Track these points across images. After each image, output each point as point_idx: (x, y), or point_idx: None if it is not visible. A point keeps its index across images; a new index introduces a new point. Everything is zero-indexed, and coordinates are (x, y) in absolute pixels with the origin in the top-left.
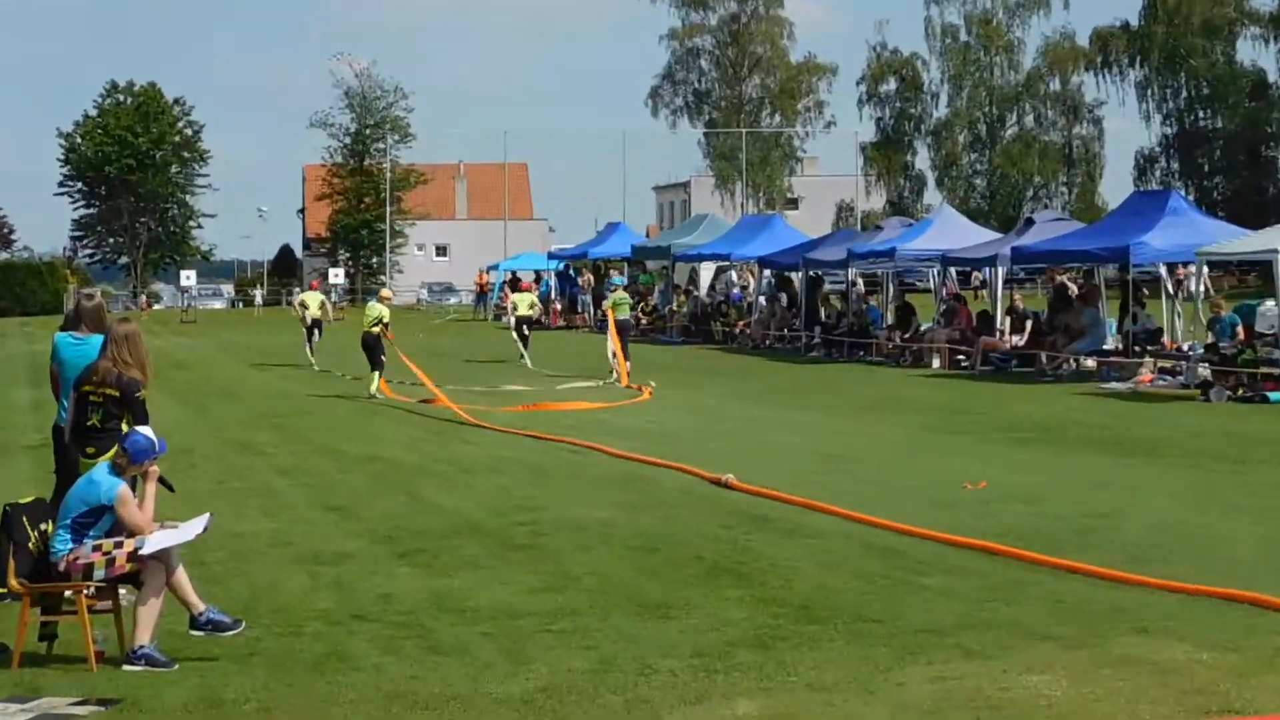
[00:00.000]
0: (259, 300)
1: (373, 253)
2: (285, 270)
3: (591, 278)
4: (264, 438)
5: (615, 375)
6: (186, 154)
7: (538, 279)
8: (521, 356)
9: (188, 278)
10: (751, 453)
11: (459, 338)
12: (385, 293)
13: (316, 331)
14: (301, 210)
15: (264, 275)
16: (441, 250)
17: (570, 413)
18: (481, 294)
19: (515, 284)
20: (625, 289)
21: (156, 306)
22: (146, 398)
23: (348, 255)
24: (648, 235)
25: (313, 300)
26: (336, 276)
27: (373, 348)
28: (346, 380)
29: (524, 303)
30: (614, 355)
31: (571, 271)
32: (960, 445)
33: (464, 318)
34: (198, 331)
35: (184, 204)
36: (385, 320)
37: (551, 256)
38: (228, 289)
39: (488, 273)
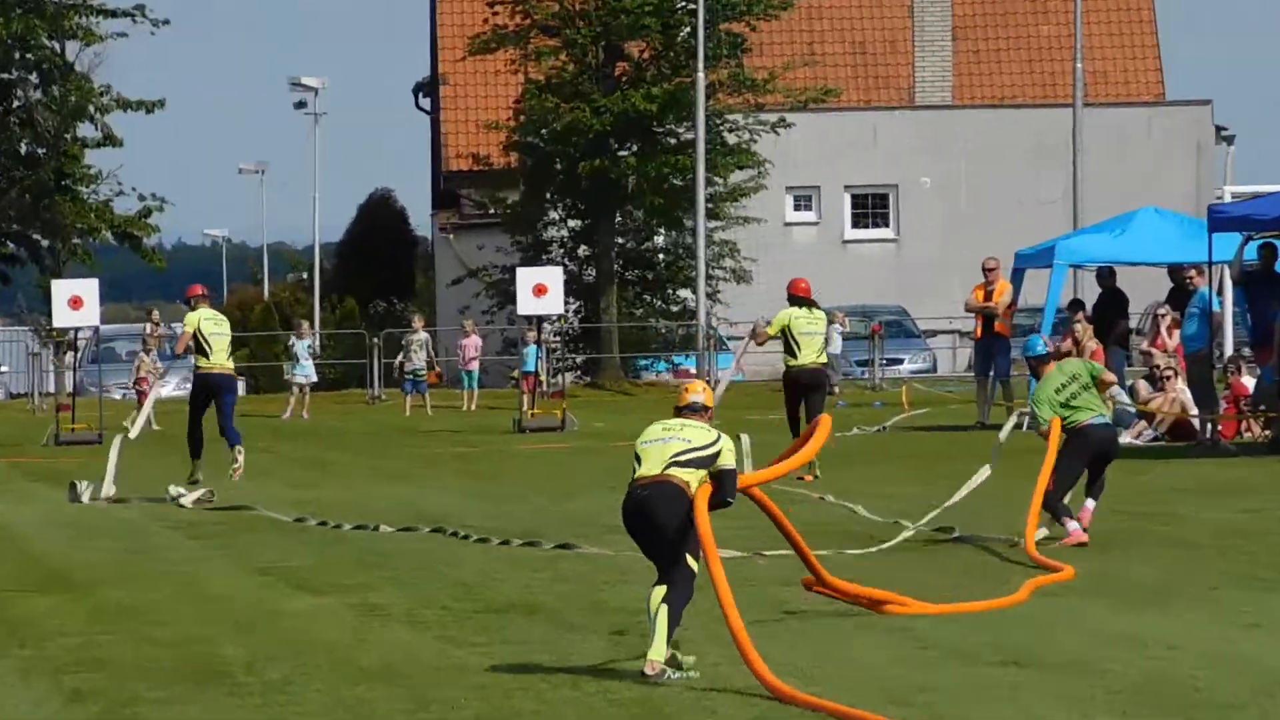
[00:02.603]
0: (298, 377)
1: (659, 219)
2: (387, 278)
3: None
4: None
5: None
6: None
7: (1179, 291)
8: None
9: (72, 301)
10: None
11: (928, 469)
12: (699, 390)
13: (225, 405)
14: (426, 87)
15: (313, 284)
16: (871, 207)
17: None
18: (989, 334)
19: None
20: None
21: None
22: None
23: (574, 225)
24: None
25: (213, 331)
26: (545, 294)
27: (685, 537)
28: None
29: (811, 346)
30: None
31: None
32: None
33: (957, 414)
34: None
35: (79, 86)
36: (722, 454)
37: (1219, 221)
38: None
39: (998, 278)
